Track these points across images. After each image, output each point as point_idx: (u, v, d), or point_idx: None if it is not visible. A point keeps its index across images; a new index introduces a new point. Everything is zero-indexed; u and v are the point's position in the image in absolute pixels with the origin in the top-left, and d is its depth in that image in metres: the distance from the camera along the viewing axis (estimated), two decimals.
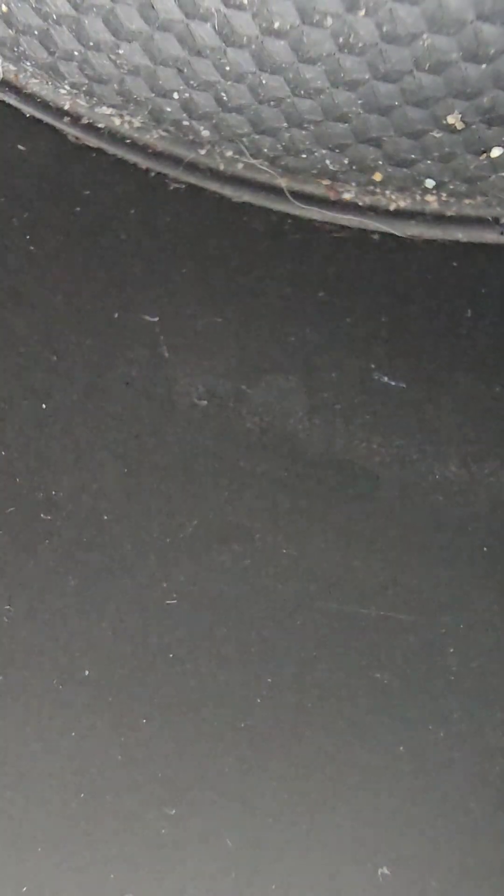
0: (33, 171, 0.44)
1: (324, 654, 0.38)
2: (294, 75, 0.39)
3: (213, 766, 0.36)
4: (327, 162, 0.43)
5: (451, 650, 0.38)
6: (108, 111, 0.45)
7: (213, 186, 0.45)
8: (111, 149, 0.45)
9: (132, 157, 0.45)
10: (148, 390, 0.41)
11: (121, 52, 0.41)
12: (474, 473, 0.40)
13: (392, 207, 0.44)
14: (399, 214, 0.44)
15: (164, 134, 0.45)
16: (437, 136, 0.40)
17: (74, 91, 0.44)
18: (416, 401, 0.41)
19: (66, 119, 0.45)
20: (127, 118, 0.45)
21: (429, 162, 0.42)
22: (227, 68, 0.40)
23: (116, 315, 0.42)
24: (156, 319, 0.42)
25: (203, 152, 0.45)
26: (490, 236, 0.44)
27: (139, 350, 0.42)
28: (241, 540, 0.39)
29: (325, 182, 0.44)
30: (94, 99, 0.44)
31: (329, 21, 0.36)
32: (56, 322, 0.42)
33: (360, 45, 0.37)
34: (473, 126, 0.39)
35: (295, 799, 0.36)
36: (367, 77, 0.38)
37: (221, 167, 0.45)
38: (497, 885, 0.36)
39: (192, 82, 0.41)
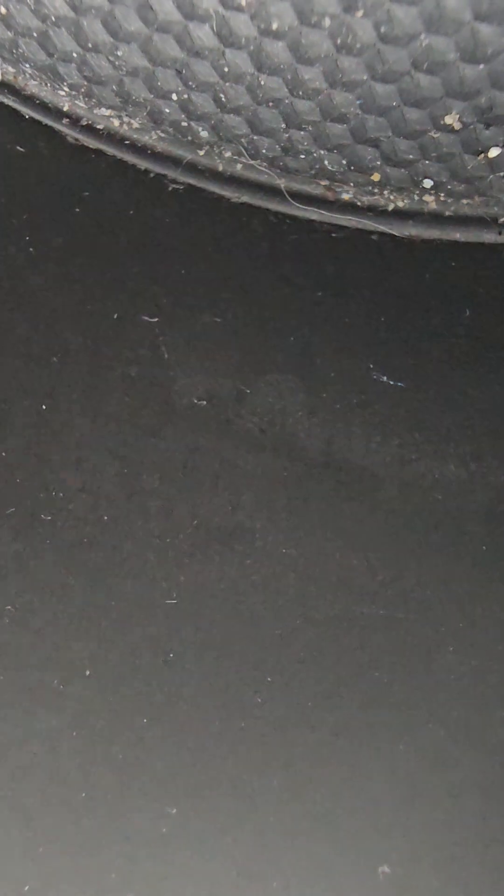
0: (33, 172, 0.44)
1: (324, 654, 0.38)
2: (292, 76, 0.39)
3: (214, 765, 0.36)
4: (326, 162, 0.43)
5: (451, 649, 0.38)
6: (107, 112, 0.45)
7: (212, 187, 0.45)
8: (110, 150, 0.45)
9: (131, 158, 0.45)
10: (148, 390, 0.41)
11: (119, 53, 0.41)
12: (473, 472, 0.40)
13: (390, 207, 0.44)
14: (397, 214, 0.44)
15: (162, 135, 0.45)
16: (436, 136, 0.40)
17: (73, 92, 0.44)
18: (415, 400, 0.41)
19: (66, 120, 0.45)
20: (126, 119, 0.45)
21: (427, 162, 0.42)
22: (226, 69, 0.40)
23: (116, 315, 0.42)
24: (156, 319, 0.42)
25: (202, 153, 0.45)
26: (488, 236, 0.44)
27: (139, 350, 0.42)
28: (241, 540, 0.39)
29: (324, 182, 0.44)
30: (93, 100, 0.44)
31: (327, 22, 0.36)
32: (56, 322, 0.42)
33: (358, 45, 0.37)
34: (471, 126, 0.39)
35: (295, 798, 0.36)
36: (365, 78, 0.38)
37: (220, 168, 0.45)
38: (497, 884, 0.36)
39: (190, 83, 0.41)
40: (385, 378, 0.42)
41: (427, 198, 0.44)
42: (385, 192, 0.44)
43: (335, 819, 0.36)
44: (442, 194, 0.43)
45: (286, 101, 0.40)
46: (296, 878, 0.35)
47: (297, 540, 0.39)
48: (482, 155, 0.41)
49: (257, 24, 0.37)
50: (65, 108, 0.45)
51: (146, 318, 0.42)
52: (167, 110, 0.43)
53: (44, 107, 0.45)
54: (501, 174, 0.42)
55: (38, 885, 0.35)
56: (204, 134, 0.44)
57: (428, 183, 0.43)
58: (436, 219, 0.44)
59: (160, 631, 0.38)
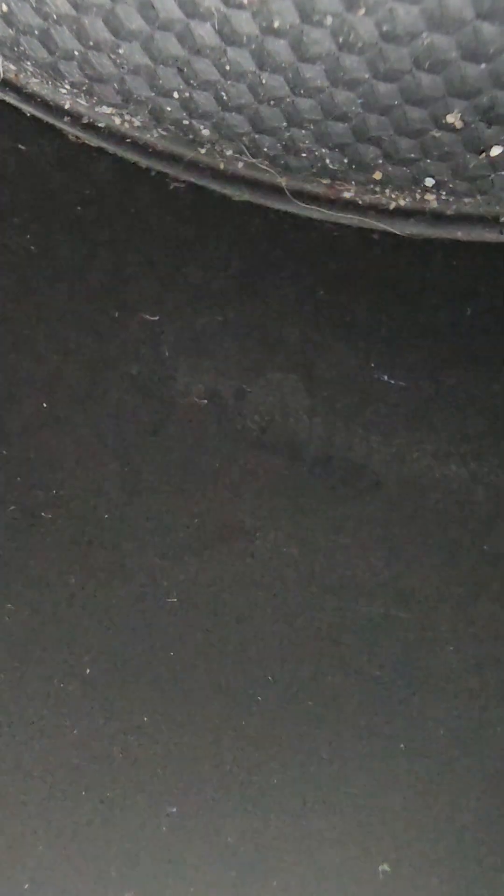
0: (33, 170, 0.44)
1: (324, 653, 0.38)
2: (294, 74, 0.39)
3: (214, 764, 0.36)
4: (327, 161, 0.43)
5: (451, 648, 0.38)
6: (109, 110, 0.45)
7: (214, 185, 0.45)
8: (111, 148, 0.45)
9: (132, 156, 0.45)
10: (148, 390, 0.41)
11: (121, 51, 0.41)
12: (474, 472, 0.40)
13: (392, 206, 0.44)
14: (399, 213, 0.44)
15: (164, 133, 0.45)
16: (437, 135, 0.40)
17: (75, 90, 0.44)
18: (416, 400, 0.41)
19: (67, 118, 0.45)
20: (127, 117, 0.45)
21: (428, 161, 0.41)
22: (227, 67, 0.40)
23: (116, 315, 0.42)
24: (156, 318, 0.42)
25: (203, 151, 0.45)
26: (490, 235, 0.44)
27: (139, 349, 0.42)
28: (241, 540, 0.39)
29: (325, 181, 0.44)
30: (95, 98, 0.44)
31: (329, 20, 0.36)
32: (56, 322, 0.42)
33: (360, 44, 0.37)
34: (473, 125, 0.39)
35: (295, 797, 0.36)
36: (366, 76, 0.38)
37: (222, 166, 0.45)
38: (497, 883, 0.36)
39: (192, 81, 0.41)
40: (386, 377, 0.42)
41: (428, 196, 0.44)
42: (386, 191, 0.44)
43: (335, 817, 0.36)
44: (443, 193, 0.43)
45: (288, 100, 0.40)
46: (296, 877, 0.35)
47: (297, 540, 0.39)
48: (484, 154, 0.40)
49: (259, 23, 0.37)
50: (66, 106, 0.45)
51: (146, 316, 0.42)
52: (168, 108, 0.43)
53: (45, 105, 0.45)
54: (503, 173, 0.42)
55: (38, 884, 0.35)
56: (205, 132, 0.44)
57: (429, 181, 0.43)
58: (437, 217, 0.44)
59: (160, 630, 0.38)
